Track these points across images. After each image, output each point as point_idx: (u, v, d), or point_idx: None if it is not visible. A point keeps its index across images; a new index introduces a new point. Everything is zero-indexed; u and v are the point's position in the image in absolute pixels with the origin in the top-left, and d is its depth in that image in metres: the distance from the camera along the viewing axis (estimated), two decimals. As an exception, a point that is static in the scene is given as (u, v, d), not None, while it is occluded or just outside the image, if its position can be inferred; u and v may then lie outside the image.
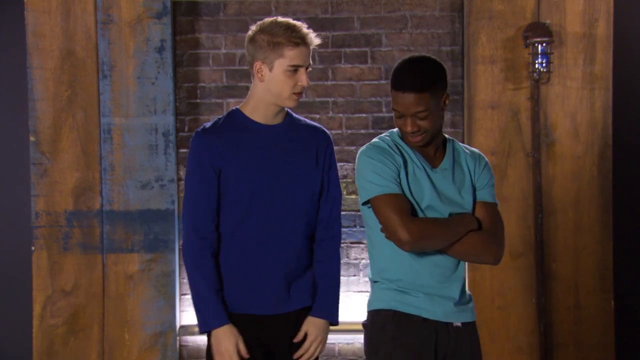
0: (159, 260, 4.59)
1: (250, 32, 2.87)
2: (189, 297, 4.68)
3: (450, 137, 2.93)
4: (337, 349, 4.67)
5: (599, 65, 4.52)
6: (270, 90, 2.85)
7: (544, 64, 4.43)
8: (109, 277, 4.59)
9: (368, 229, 2.86)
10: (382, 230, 2.77)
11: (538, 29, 4.45)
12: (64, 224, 4.58)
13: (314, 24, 4.56)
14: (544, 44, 4.42)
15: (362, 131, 4.72)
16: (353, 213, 4.60)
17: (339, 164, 4.59)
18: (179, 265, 4.68)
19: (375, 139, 2.89)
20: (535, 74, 4.46)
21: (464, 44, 4.59)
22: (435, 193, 2.80)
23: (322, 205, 2.98)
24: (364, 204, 2.82)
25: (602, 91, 4.52)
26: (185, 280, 4.69)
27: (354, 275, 4.68)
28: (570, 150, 4.53)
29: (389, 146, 2.83)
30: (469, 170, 2.87)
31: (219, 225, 2.88)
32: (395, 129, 2.87)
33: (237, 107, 2.95)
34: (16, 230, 4.74)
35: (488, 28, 4.54)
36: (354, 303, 4.60)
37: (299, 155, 2.92)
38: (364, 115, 4.73)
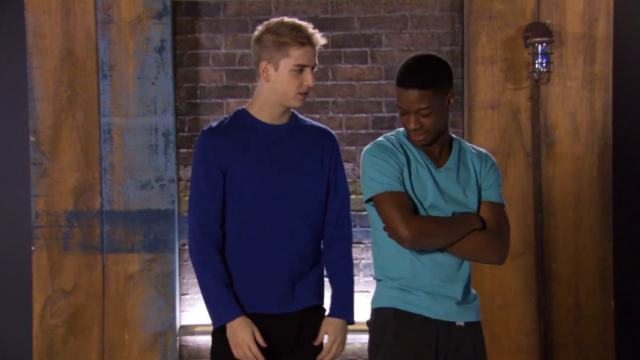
0: (159, 260, 4.59)
1: (256, 32, 2.89)
2: (189, 297, 4.68)
3: (457, 137, 2.92)
4: (337, 349, 4.67)
5: (599, 65, 4.52)
6: (276, 90, 2.86)
7: (544, 64, 4.43)
8: (109, 277, 4.59)
9: (372, 227, 2.87)
10: (384, 229, 2.77)
11: (538, 29, 4.45)
12: (64, 224, 4.58)
13: (314, 24, 4.53)
14: (544, 44, 4.42)
15: (362, 131, 4.72)
16: (354, 213, 4.60)
17: (339, 164, 4.59)
18: (179, 265, 4.68)
19: (380, 138, 2.90)
20: (535, 74, 4.46)
21: (464, 44, 4.59)
22: (439, 192, 2.80)
23: (330, 205, 2.99)
24: (367, 201, 2.83)
25: (602, 91, 4.52)
26: (185, 280, 4.69)
27: (354, 275, 4.67)
28: (570, 150, 4.53)
29: (392, 145, 2.84)
30: (475, 170, 2.87)
31: (224, 224, 2.89)
32: (402, 128, 2.88)
33: (243, 107, 2.96)
34: (16, 230, 4.74)
35: (488, 28, 4.54)
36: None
37: (304, 155, 2.93)
38: (364, 115, 4.73)
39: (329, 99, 4.73)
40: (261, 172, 2.86)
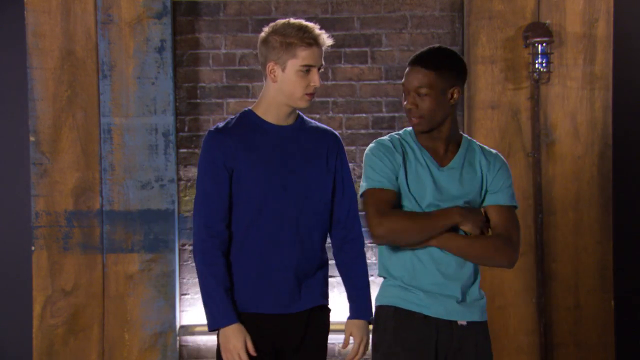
0: (159, 260, 4.59)
1: (263, 34, 2.90)
2: (189, 297, 4.68)
3: (469, 138, 2.92)
4: (337, 349, 4.67)
5: (599, 65, 4.52)
6: (282, 90, 2.87)
7: (544, 64, 4.43)
8: (109, 277, 4.59)
9: None
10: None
11: (538, 29, 4.45)
12: (64, 224, 4.58)
13: (314, 24, 4.56)
14: (544, 44, 4.42)
15: (362, 131, 4.72)
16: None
17: (339, 164, 4.59)
18: (179, 265, 4.68)
19: (384, 136, 2.92)
20: (535, 74, 4.46)
21: (464, 44, 4.59)
22: (438, 192, 2.80)
23: (337, 206, 3.00)
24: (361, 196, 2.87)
25: (602, 91, 4.52)
26: (185, 280, 4.69)
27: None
28: (570, 150, 4.53)
29: (392, 144, 2.86)
30: (482, 172, 2.85)
31: (230, 224, 2.89)
32: (410, 127, 2.89)
33: (250, 107, 2.97)
34: (16, 230, 4.74)
35: (488, 28, 4.54)
36: (354, 303, 4.60)
37: (310, 156, 2.94)
38: (364, 115, 4.73)
39: (329, 99, 4.73)
40: (268, 172, 2.87)
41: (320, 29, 2.88)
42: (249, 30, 4.71)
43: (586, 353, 4.52)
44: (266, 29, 2.90)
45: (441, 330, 2.80)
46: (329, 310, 3.04)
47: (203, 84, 4.75)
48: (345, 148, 4.67)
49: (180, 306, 4.68)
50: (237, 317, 2.84)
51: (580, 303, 4.53)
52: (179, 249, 4.68)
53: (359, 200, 2.93)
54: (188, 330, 4.65)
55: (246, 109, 2.97)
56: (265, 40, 2.88)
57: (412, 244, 2.78)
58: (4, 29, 4.77)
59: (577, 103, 4.53)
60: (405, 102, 2.82)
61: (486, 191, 2.86)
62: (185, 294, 4.70)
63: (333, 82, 4.72)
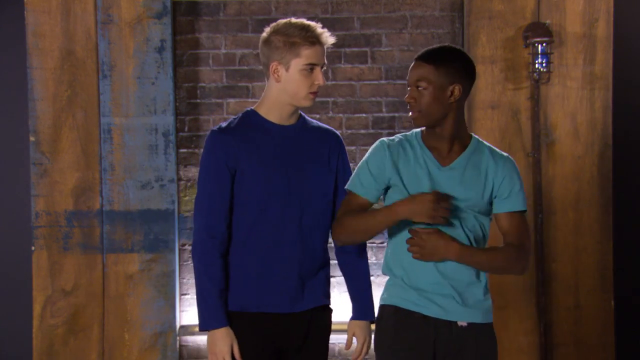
0: (159, 260, 4.59)
1: (264, 34, 2.90)
2: (189, 297, 4.68)
3: (479, 139, 2.91)
4: (337, 349, 4.67)
5: (599, 65, 4.52)
6: (286, 90, 2.87)
7: (544, 64, 4.43)
8: (109, 277, 4.59)
9: None
10: None
11: (538, 29, 4.45)
12: (64, 224, 4.58)
13: (314, 24, 4.56)
14: (544, 44, 4.42)
15: (362, 131, 4.72)
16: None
17: (339, 164, 4.59)
18: (179, 265, 4.68)
19: (394, 136, 2.93)
20: (535, 74, 4.46)
21: (464, 44, 4.59)
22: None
23: (337, 206, 3.00)
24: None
25: (602, 91, 4.52)
26: (185, 280, 4.69)
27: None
28: (570, 150, 4.53)
29: (389, 148, 2.87)
30: (487, 175, 2.83)
31: (231, 224, 2.90)
32: (419, 129, 2.91)
33: (252, 107, 2.97)
34: (16, 230, 4.74)
35: (488, 28, 4.54)
36: (354, 303, 4.60)
37: (312, 156, 2.95)
38: (363, 115, 4.73)
39: (329, 99, 4.73)
40: (271, 172, 2.87)
41: (323, 27, 2.89)
42: (249, 30, 4.71)
43: (586, 353, 4.52)
44: (267, 29, 2.91)
45: (440, 330, 2.80)
46: (330, 310, 3.05)
47: (203, 84, 4.75)
48: (345, 148, 4.70)
49: (180, 306, 4.68)
50: (227, 320, 2.85)
51: (580, 303, 4.53)
52: (179, 249, 4.68)
53: None
54: (188, 330, 4.65)
55: (248, 108, 2.97)
56: (267, 41, 2.88)
57: (356, 241, 2.89)
58: (4, 29, 4.77)
59: (577, 103, 4.53)
60: (406, 97, 2.84)
61: (495, 196, 2.84)
62: (185, 294, 4.70)
63: (333, 82, 4.72)
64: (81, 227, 4.58)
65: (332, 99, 4.73)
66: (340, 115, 4.73)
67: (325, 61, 2.91)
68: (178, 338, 4.64)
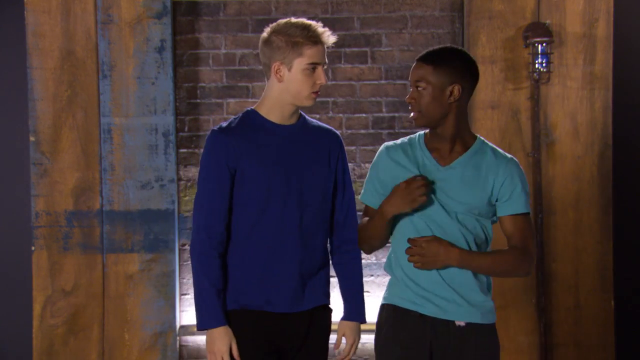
0: (159, 260, 4.59)
1: (264, 35, 2.90)
2: (189, 297, 4.68)
3: (483, 140, 2.90)
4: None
5: (599, 65, 4.52)
6: (289, 90, 2.87)
7: (544, 64, 4.43)
8: (109, 277, 4.59)
9: None
10: None
11: (538, 29, 4.45)
12: (64, 224, 4.58)
13: (314, 24, 4.56)
14: (544, 44, 4.42)
15: (362, 131, 4.72)
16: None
17: (339, 164, 4.59)
18: (179, 265, 4.68)
19: (400, 140, 2.95)
20: (535, 74, 4.46)
21: (464, 44, 4.59)
22: (433, 194, 2.80)
23: (337, 207, 3.02)
24: None
25: (602, 91, 4.52)
26: (185, 280, 4.69)
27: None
28: (570, 150, 4.53)
29: (389, 151, 2.90)
30: (488, 177, 2.82)
31: (231, 224, 2.90)
32: (423, 131, 2.93)
33: (252, 107, 2.97)
34: (16, 230, 4.74)
35: (488, 28, 4.54)
36: (354, 303, 4.61)
37: (312, 155, 2.95)
38: (364, 115, 4.73)
39: (329, 99, 4.73)
40: (272, 172, 2.87)
41: (323, 26, 2.89)
42: (249, 30, 4.71)
43: (586, 353, 4.52)
44: (267, 29, 2.90)
45: (438, 329, 2.80)
46: (330, 310, 3.05)
47: (203, 84, 4.75)
48: (345, 148, 4.69)
49: (180, 306, 4.68)
50: (225, 320, 2.86)
51: (580, 303, 4.53)
52: (179, 249, 4.68)
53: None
54: (188, 330, 4.65)
55: (249, 108, 2.97)
56: (268, 41, 2.88)
57: (373, 247, 2.95)
58: (4, 29, 4.77)
59: (577, 103, 4.53)
60: (407, 97, 2.86)
61: (496, 199, 2.84)
62: (185, 294, 4.70)
63: (333, 82, 4.72)
64: (81, 227, 4.58)
65: (332, 99, 4.73)
66: (340, 115, 4.73)
67: (326, 60, 2.91)
68: (178, 338, 4.64)
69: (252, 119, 2.93)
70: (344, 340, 3.05)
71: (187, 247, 4.67)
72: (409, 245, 2.78)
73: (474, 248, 2.81)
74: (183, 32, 4.73)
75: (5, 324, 4.79)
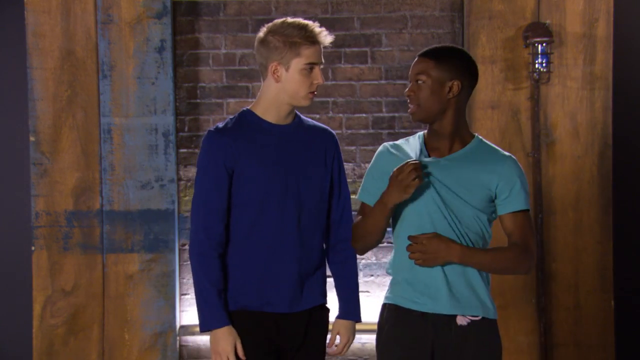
0: (159, 260, 4.59)
1: (261, 35, 2.90)
2: (188, 297, 4.68)
3: (481, 139, 2.90)
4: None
5: (599, 65, 4.52)
6: (286, 90, 2.87)
7: (544, 64, 4.43)
8: (109, 277, 4.59)
9: None
10: None
11: (538, 29, 4.45)
12: (64, 224, 4.58)
13: (314, 24, 4.56)
14: (544, 44, 4.42)
15: (362, 131, 4.72)
16: (353, 213, 4.60)
17: (339, 164, 4.59)
18: (179, 265, 4.68)
19: (398, 140, 2.96)
20: (535, 74, 4.46)
21: (464, 44, 4.59)
22: (431, 185, 2.80)
23: (333, 207, 3.03)
24: None
25: (602, 91, 4.52)
26: (185, 280, 4.69)
27: (354, 275, 4.68)
28: (570, 150, 4.53)
29: (388, 150, 2.91)
30: (484, 173, 2.81)
31: (229, 225, 2.89)
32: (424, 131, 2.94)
33: (248, 107, 2.97)
34: (16, 230, 4.74)
35: (488, 28, 4.54)
36: (354, 303, 4.61)
37: (309, 155, 2.95)
38: (364, 115, 4.73)
39: (329, 99, 4.73)
40: (269, 172, 2.87)
41: (320, 26, 2.90)
42: (249, 30, 4.71)
43: (586, 353, 4.52)
44: (263, 30, 2.91)
45: (440, 328, 2.80)
46: (328, 309, 3.05)
47: (203, 84, 4.75)
48: (345, 148, 4.71)
49: (180, 306, 4.68)
50: (228, 319, 2.85)
51: (580, 303, 4.53)
52: (179, 249, 4.68)
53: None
54: (188, 330, 4.65)
55: (244, 108, 2.97)
56: (264, 41, 2.88)
57: (367, 244, 2.94)
58: (4, 29, 4.77)
59: (577, 103, 4.53)
60: (406, 91, 2.87)
61: (495, 197, 2.84)
62: (185, 294, 4.70)
63: (333, 82, 4.72)
64: (81, 227, 4.58)
65: (332, 99, 4.73)
66: (340, 115, 4.73)
67: (323, 60, 2.91)
68: (178, 338, 4.64)
69: (248, 119, 2.92)
70: (338, 339, 3.05)
71: (187, 247, 4.67)
72: (409, 243, 2.79)
73: (472, 245, 2.82)
74: (183, 32, 4.73)
75: (5, 324, 4.79)
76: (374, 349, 2.96)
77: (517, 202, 2.84)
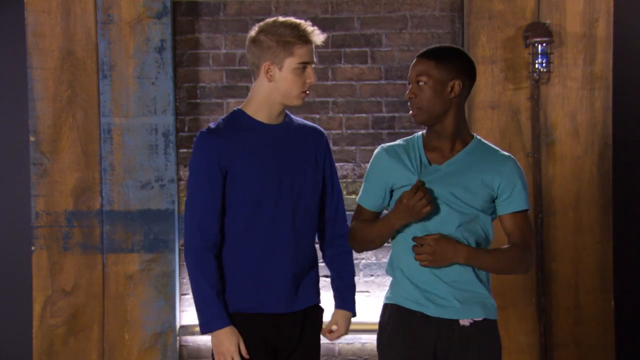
0: (159, 260, 4.59)
1: (252, 34, 2.89)
2: (189, 297, 4.68)
3: (480, 139, 2.91)
4: (337, 349, 4.68)
5: (599, 65, 4.52)
6: (278, 89, 2.87)
7: (544, 64, 4.43)
8: (109, 277, 4.59)
9: None
10: None
11: (538, 29, 4.45)
12: (64, 224, 4.58)
13: (314, 24, 4.55)
14: (544, 44, 4.42)
15: (362, 131, 4.72)
16: (352, 213, 4.60)
17: (339, 164, 4.59)
18: (179, 265, 4.68)
19: (397, 141, 2.95)
20: (535, 74, 4.46)
21: (464, 44, 4.59)
22: (434, 194, 2.80)
23: (327, 204, 3.04)
24: None
25: (602, 91, 4.52)
26: (185, 280, 4.69)
27: (354, 275, 4.67)
28: (570, 150, 4.53)
29: (386, 152, 2.90)
30: (485, 174, 2.82)
31: (223, 226, 2.89)
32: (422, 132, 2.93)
33: (239, 107, 2.96)
34: (16, 230, 4.74)
35: (488, 28, 4.54)
36: (354, 303, 4.61)
37: (301, 154, 2.95)
38: (364, 115, 4.73)
39: (329, 99, 4.73)
40: (263, 172, 2.86)
41: (312, 25, 2.89)
42: (249, 30, 4.70)
43: (586, 353, 4.52)
44: (255, 29, 2.90)
45: (442, 330, 2.80)
46: (322, 309, 3.06)
47: (203, 84, 4.75)
48: (345, 148, 4.72)
49: (180, 306, 4.68)
50: (229, 319, 2.85)
51: (580, 303, 4.53)
52: (179, 249, 4.68)
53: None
54: (188, 330, 4.65)
55: (236, 108, 2.97)
56: (257, 41, 2.88)
57: (367, 249, 2.98)
58: (4, 29, 4.77)
59: (577, 103, 4.53)
60: (406, 93, 2.86)
61: (496, 197, 2.84)
62: (185, 294, 4.70)
63: (333, 82, 4.72)
64: (81, 227, 4.58)
65: (332, 99, 4.73)
66: (340, 115, 4.73)
67: (315, 59, 2.91)
68: (178, 338, 4.64)
69: (240, 119, 2.91)
70: (334, 328, 3.07)
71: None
72: (410, 246, 2.78)
73: (474, 246, 2.82)
74: (183, 32, 4.73)
75: (5, 324, 4.79)
76: (374, 349, 2.96)
77: (518, 203, 2.84)
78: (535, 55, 4.43)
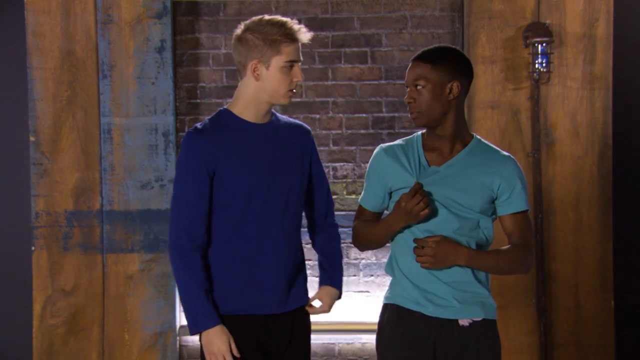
0: (159, 260, 4.59)
1: (239, 32, 2.88)
2: (189, 297, 4.68)
3: (480, 139, 2.91)
4: (337, 349, 4.67)
5: (599, 65, 4.52)
6: (265, 88, 2.85)
7: (544, 64, 4.43)
8: (109, 277, 4.59)
9: None
10: None
11: (538, 29, 4.45)
12: (64, 224, 4.58)
13: (314, 24, 4.56)
14: (544, 44, 4.42)
15: (362, 131, 4.72)
16: (353, 213, 4.60)
17: (338, 164, 4.60)
18: (179, 265, 4.68)
19: (397, 141, 2.94)
20: (535, 74, 4.46)
21: (464, 44, 4.59)
22: (433, 196, 2.80)
23: (317, 199, 3.04)
24: None
25: (602, 91, 4.52)
26: (185, 280, 4.69)
27: (354, 275, 4.68)
28: (570, 150, 4.53)
29: (385, 153, 2.90)
30: (485, 174, 2.82)
31: (211, 227, 2.87)
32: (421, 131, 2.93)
33: (225, 107, 2.94)
34: (16, 230, 4.74)
35: (488, 28, 4.54)
36: (353, 303, 4.60)
37: (288, 152, 2.93)
38: (364, 115, 4.73)
39: (329, 99, 4.73)
40: (251, 172, 2.84)
41: (299, 23, 2.89)
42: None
43: (586, 353, 4.52)
44: (241, 27, 2.89)
45: (441, 330, 2.80)
46: (308, 312, 3.04)
47: (203, 84, 4.75)
48: (345, 148, 4.72)
49: (180, 306, 4.68)
50: (219, 318, 2.83)
51: (580, 303, 4.53)
52: (179, 249, 4.67)
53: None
54: (188, 330, 4.64)
55: (221, 108, 2.95)
56: (242, 39, 2.86)
57: (371, 248, 2.99)
58: (4, 29, 4.77)
59: (577, 103, 4.53)
60: (405, 97, 2.85)
61: (495, 198, 2.84)
62: (185, 294, 4.70)
63: (333, 82, 4.72)
64: (81, 227, 4.58)
65: (332, 99, 4.73)
66: (340, 115, 4.73)
67: (302, 58, 2.90)
68: (178, 338, 4.64)
69: (226, 118, 2.89)
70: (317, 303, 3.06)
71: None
72: (409, 247, 2.78)
73: (473, 247, 2.82)
74: (183, 32, 4.73)
75: (5, 324, 4.79)
76: (374, 349, 2.96)
77: (518, 203, 2.84)
78: (535, 55, 4.43)
